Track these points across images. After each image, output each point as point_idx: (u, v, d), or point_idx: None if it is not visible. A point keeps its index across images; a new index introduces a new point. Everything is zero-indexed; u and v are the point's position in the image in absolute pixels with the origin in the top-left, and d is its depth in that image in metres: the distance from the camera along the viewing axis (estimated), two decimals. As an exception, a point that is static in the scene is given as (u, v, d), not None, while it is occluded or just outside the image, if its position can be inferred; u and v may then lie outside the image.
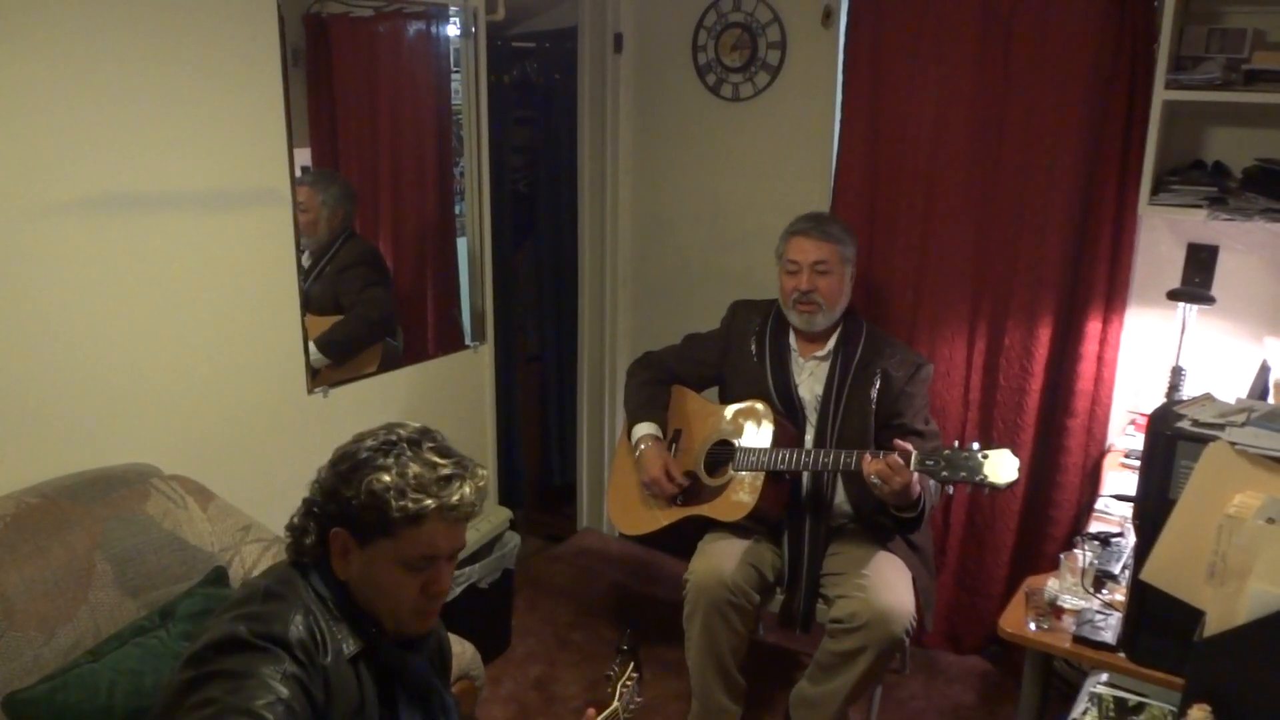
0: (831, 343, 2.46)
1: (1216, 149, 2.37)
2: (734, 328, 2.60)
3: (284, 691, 1.20)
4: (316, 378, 2.48)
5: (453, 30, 2.86)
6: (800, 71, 2.94)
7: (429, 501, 1.29)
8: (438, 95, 2.89)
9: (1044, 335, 2.59)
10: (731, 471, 2.38)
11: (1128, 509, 2.09)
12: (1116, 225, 2.46)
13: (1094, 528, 2.12)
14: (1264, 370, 2.23)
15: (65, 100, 1.86)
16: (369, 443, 1.34)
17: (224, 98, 2.14)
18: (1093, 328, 2.52)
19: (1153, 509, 1.57)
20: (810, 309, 2.41)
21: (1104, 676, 1.69)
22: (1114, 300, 2.50)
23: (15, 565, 1.63)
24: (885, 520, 2.31)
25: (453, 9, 2.82)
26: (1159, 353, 2.53)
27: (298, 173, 2.36)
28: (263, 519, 2.04)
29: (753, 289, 2.78)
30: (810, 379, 2.46)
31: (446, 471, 1.32)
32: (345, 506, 1.31)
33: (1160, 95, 2.21)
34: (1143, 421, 2.43)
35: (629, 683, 1.46)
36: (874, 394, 2.38)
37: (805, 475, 2.40)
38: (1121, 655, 1.70)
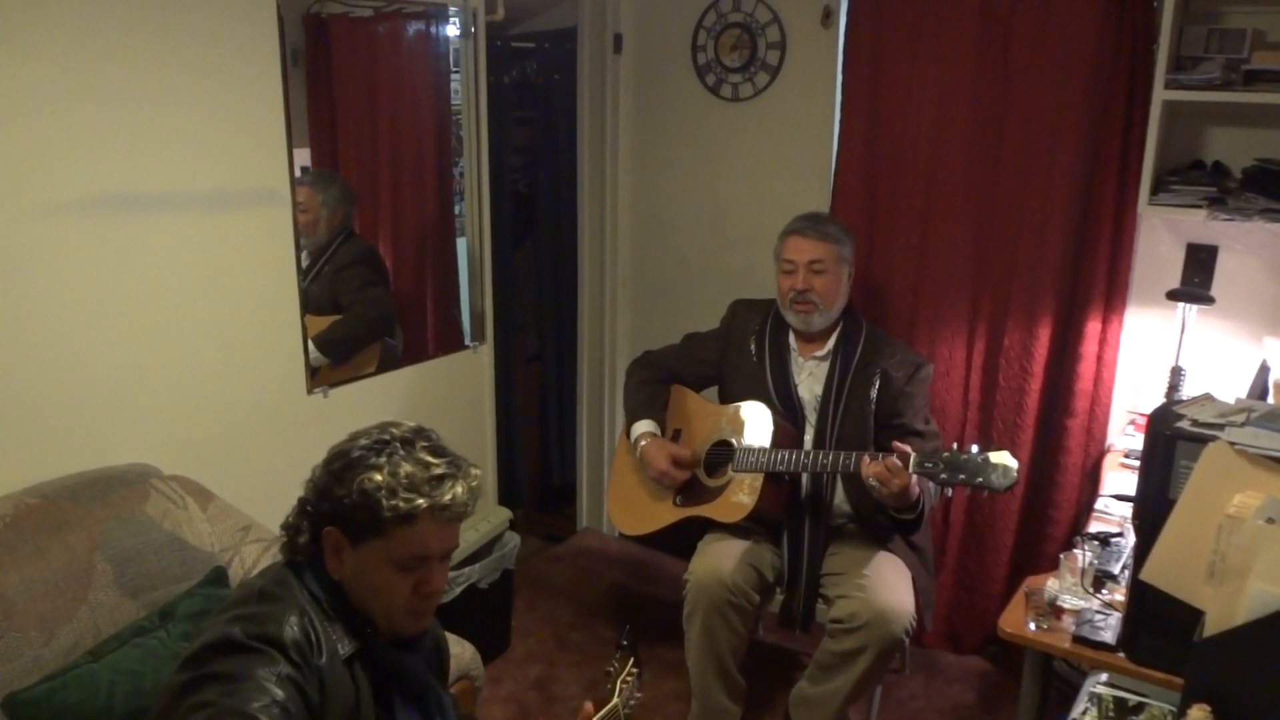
0: (831, 343, 2.46)
1: (1216, 149, 2.37)
2: (734, 327, 2.60)
3: (279, 693, 1.20)
4: (316, 377, 2.48)
5: (452, 30, 2.86)
6: (800, 72, 2.94)
7: (420, 501, 1.29)
8: (437, 95, 2.89)
9: (1043, 335, 2.59)
10: (731, 472, 2.38)
11: (1127, 509, 2.09)
12: (1116, 225, 2.46)
13: (1094, 528, 2.12)
14: (1263, 370, 2.23)
15: (65, 100, 1.86)
16: (362, 441, 1.34)
17: (224, 98, 2.14)
18: (1092, 328, 2.52)
19: (1152, 509, 1.57)
20: (806, 308, 2.41)
21: (1104, 676, 1.69)
22: (1113, 300, 2.50)
23: (15, 566, 1.63)
24: (884, 521, 2.31)
25: (452, 9, 2.82)
26: (1158, 353, 2.53)
27: (297, 173, 2.36)
28: (262, 519, 2.03)
29: (753, 289, 2.78)
30: (810, 379, 2.46)
31: (439, 471, 1.31)
32: (338, 505, 1.31)
33: (1160, 95, 2.21)
34: (1142, 421, 2.43)
35: (629, 678, 1.46)
36: (873, 394, 2.38)
37: (804, 476, 2.40)
38: (1121, 655, 1.70)
